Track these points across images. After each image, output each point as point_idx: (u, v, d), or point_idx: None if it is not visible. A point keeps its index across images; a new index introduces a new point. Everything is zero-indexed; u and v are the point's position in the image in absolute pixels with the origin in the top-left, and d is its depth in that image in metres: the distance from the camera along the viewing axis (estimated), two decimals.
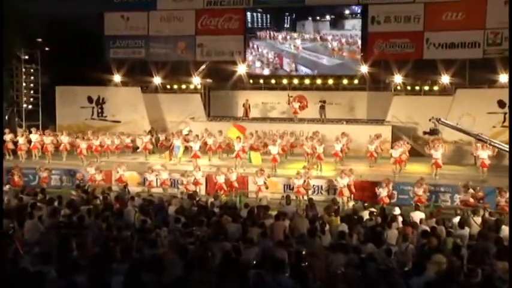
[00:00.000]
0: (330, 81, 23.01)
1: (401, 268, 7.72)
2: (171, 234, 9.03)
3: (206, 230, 9.27)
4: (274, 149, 17.42)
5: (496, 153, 15.63)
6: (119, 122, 23.51)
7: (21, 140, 19.30)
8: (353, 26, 22.05)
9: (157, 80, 23.56)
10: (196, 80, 23.38)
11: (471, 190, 13.24)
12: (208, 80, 23.98)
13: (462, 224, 10.13)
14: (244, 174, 16.47)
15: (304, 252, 7.75)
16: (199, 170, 16.12)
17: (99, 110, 23.83)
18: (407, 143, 18.09)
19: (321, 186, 15.79)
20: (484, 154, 15.76)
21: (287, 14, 22.76)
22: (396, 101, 21.43)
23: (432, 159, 16.26)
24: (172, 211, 10.98)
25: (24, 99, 24.48)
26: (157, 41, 23.78)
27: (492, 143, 15.14)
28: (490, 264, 7.91)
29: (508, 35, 18.32)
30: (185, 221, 9.78)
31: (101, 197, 12.45)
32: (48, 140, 19.14)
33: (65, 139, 19.38)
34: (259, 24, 23.15)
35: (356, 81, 22.73)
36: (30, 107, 24.79)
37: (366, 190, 15.04)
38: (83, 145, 19.05)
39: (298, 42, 22.75)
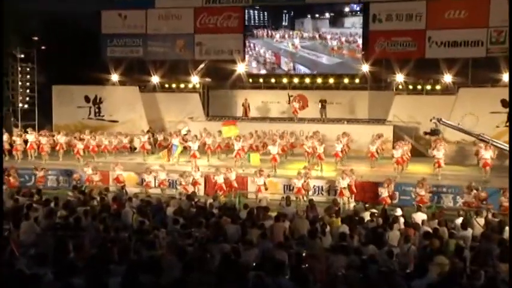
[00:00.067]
0: (331, 81, 22.89)
1: (403, 270, 7.71)
2: (170, 235, 8.99)
3: (205, 231, 9.22)
4: (274, 149, 17.33)
5: (496, 155, 15.53)
6: (116, 121, 23.39)
7: (18, 140, 19.12)
8: (353, 24, 21.94)
9: (155, 79, 23.47)
10: (195, 79, 23.28)
11: (474, 191, 13.14)
12: (207, 79, 23.86)
13: (465, 225, 10.05)
14: (243, 174, 16.36)
15: (304, 254, 7.74)
16: (198, 170, 16.03)
17: (97, 110, 23.70)
18: (409, 143, 17.98)
19: (322, 187, 15.71)
20: (487, 154, 15.68)
21: (285, 11, 22.57)
22: (398, 100, 21.33)
23: (434, 159, 16.16)
24: (171, 212, 10.93)
25: (20, 98, 24.27)
26: (156, 39, 23.69)
27: (494, 143, 15.01)
28: (493, 266, 7.84)
29: None
30: (184, 222, 9.72)
31: (98, 198, 12.36)
32: (44, 140, 18.98)
33: (61, 139, 19.26)
34: (257, 22, 22.96)
35: (357, 81, 22.63)
36: (26, 106, 24.56)
37: (367, 191, 14.95)
38: (80, 145, 18.92)
39: (297, 40, 22.60)
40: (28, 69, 24.66)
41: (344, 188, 14.52)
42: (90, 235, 8.76)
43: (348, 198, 14.63)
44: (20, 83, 24.29)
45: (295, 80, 23.38)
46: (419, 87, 21.61)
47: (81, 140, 19.26)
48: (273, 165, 17.20)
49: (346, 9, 22.00)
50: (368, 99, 22.91)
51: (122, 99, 23.33)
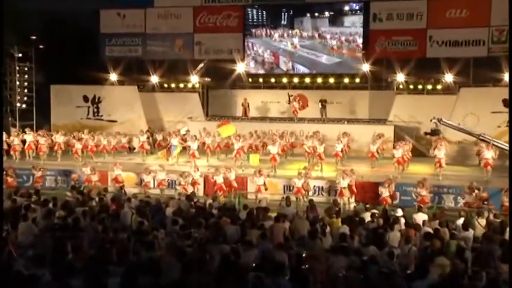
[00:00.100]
0: (331, 80, 22.79)
1: (404, 271, 7.69)
2: (169, 236, 8.93)
3: (204, 232, 9.17)
4: (273, 149, 17.27)
5: (497, 155, 15.47)
6: (115, 121, 23.30)
7: (15, 140, 19.03)
8: (353, 23, 21.85)
9: (154, 79, 23.40)
10: (194, 79, 23.21)
11: (476, 191, 13.09)
12: (207, 79, 23.79)
13: (466, 226, 9.99)
14: (243, 175, 16.30)
15: (304, 255, 7.71)
16: (198, 170, 15.96)
17: (95, 110, 23.61)
18: (410, 143, 17.91)
19: (322, 187, 15.65)
20: (489, 154, 15.65)
21: (284, 10, 22.42)
22: (399, 100, 21.26)
23: (436, 158, 16.12)
24: (170, 213, 10.87)
25: (18, 98, 24.19)
26: (155, 38, 23.60)
27: (495, 144, 14.93)
28: (495, 267, 7.80)
29: None
30: (183, 223, 9.66)
31: (97, 199, 12.31)
32: (42, 140, 18.89)
33: (59, 138, 19.18)
34: (255, 21, 22.80)
35: (357, 80, 22.57)
36: (24, 106, 24.48)
37: (368, 191, 14.91)
38: (78, 145, 18.84)
39: (296, 40, 22.48)
40: (26, 68, 24.58)
41: (344, 187, 14.46)
42: (88, 236, 8.71)
43: (348, 198, 14.59)
44: (17, 83, 24.21)
45: (295, 80, 23.29)
46: (420, 86, 21.53)
47: (79, 140, 19.17)
48: (273, 165, 17.14)
49: (346, 8, 21.88)
50: (368, 99, 22.83)
51: (121, 99, 23.23)
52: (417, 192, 13.68)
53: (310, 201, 12.47)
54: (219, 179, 15.15)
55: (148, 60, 23.55)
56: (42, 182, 16.51)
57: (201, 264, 6.63)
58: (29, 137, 19.21)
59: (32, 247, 8.16)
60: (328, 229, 9.66)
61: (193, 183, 15.33)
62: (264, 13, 22.66)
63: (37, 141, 19.02)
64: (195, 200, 12.67)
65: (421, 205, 12.57)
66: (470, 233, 9.86)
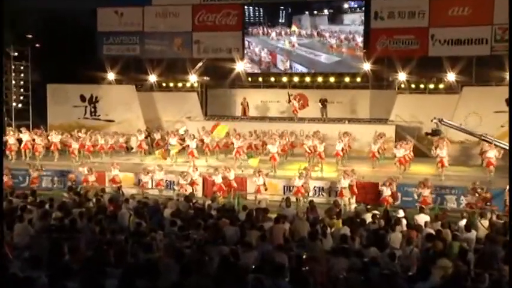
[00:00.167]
0: (332, 79, 22.68)
1: (406, 273, 7.74)
2: (167, 237, 8.90)
3: (203, 234, 9.15)
4: (273, 148, 17.19)
5: (501, 155, 15.37)
6: (112, 121, 23.20)
7: (11, 140, 18.87)
8: (352, 21, 21.70)
9: (152, 78, 23.33)
10: (192, 78, 23.14)
11: (479, 191, 13.02)
12: (205, 78, 23.71)
13: (469, 227, 9.92)
14: (242, 175, 16.23)
15: (304, 256, 7.68)
16: (197, 170, 15.88)
17: (92, 109, 23.50)
18: (411, 143, 17.82)
19: (322, 188, 15.56)
20: (491, 153, 15.60)
21: (282, 8, 22.22)
22: (400, 99, 21.16)
23: (438, 158, 16.06)
24: (168, 214, 10.83)
25: (14, 97, 24.11)
26: (153, 37, 23.48)
27: (497, 144, 14.82)
28: (498, 268, 7.73)
29: None
30: (181, 224, 9.63)
31: (94, 200, 12.26)
32: (38, 139, 18.75)
33: (56, 138, 19.01)
34: (252, 19, 22.60)
35: (358, 79, 22.47)
36: (20, 105, 24.39)
37: (369, 192, 14.84)
38: (75, 145, 18.70)
39: (294, 38, 22.31)
40: (22, 67, 24.50)
41: (345, 188, 14.38)
42: (85, 237, 8.66)
43: (349, 199, 14.52)
44: (13, 82, 24.14)
45: (295, 79, 23.19)
46: (422, 86, 21.47)
47: (77, 139, 19.00)
48: (273, 164, 17.05)
49: (346, 5, 21.71)
50: (369, 98, 22.72)
51: (119, 99, 23.13)
52: (419, 193, 13.61)
53: (311, 202, 12.43)
54: (218, 179, 15.06)
55: (147, 59, 23.46)
56: (39, 182, 16.37)
57: (200, 266, 6.62)
58: (25, 136, 19.06)
59: (27, 249, 8.10)
60: (328, 230, 9.62)
61: (192, 183, 15.26)
62: (261, 11, 22.46)
63: (33, 140, 18.85)
64: (194, 200, 12.66)
65: (423, 206, 12.46)
66: (473, 234, 9.79)
